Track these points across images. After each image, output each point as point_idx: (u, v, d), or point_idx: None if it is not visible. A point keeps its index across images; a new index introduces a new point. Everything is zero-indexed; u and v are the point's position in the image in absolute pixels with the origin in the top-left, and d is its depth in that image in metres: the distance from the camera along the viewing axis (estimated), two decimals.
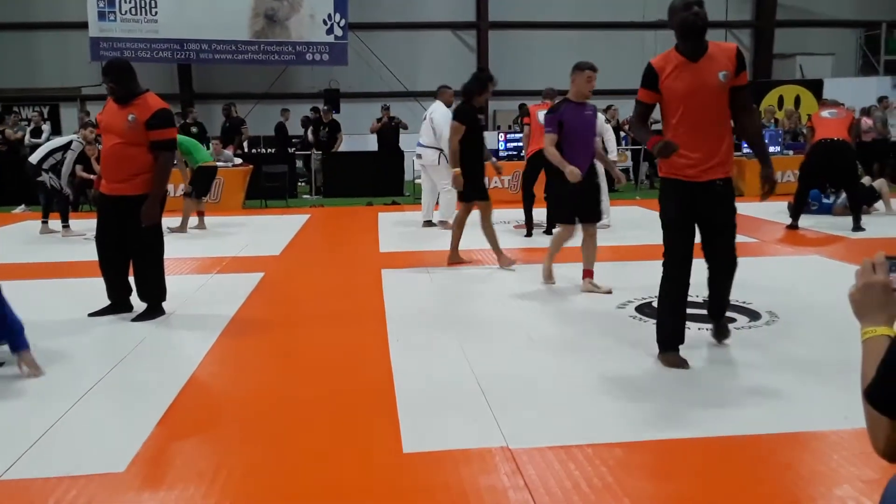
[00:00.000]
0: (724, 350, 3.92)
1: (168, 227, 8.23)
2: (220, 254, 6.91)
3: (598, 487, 2.44)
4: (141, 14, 15.06)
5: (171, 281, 4.76)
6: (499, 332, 4.28)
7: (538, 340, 4.10)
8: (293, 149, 13.76)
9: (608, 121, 7.76)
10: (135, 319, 4.54)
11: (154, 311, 4.59)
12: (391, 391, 3.32)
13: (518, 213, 8.98)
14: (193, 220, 8.52)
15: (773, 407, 3.11)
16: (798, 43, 17.83)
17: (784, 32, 17.83)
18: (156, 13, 15.11)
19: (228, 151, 11.39)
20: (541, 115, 7.40)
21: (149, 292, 4.59)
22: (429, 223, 8.56)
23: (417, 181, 11.93)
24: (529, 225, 7.59)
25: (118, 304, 4.67)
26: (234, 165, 10.88)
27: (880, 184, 8.99)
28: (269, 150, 13.58)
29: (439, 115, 8.13)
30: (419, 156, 8.48)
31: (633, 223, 8.47)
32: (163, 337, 4.31)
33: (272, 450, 2.80)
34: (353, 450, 2.78)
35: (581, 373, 3.57)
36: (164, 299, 4.66)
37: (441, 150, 8.16)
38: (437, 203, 8.62)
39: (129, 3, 14.98)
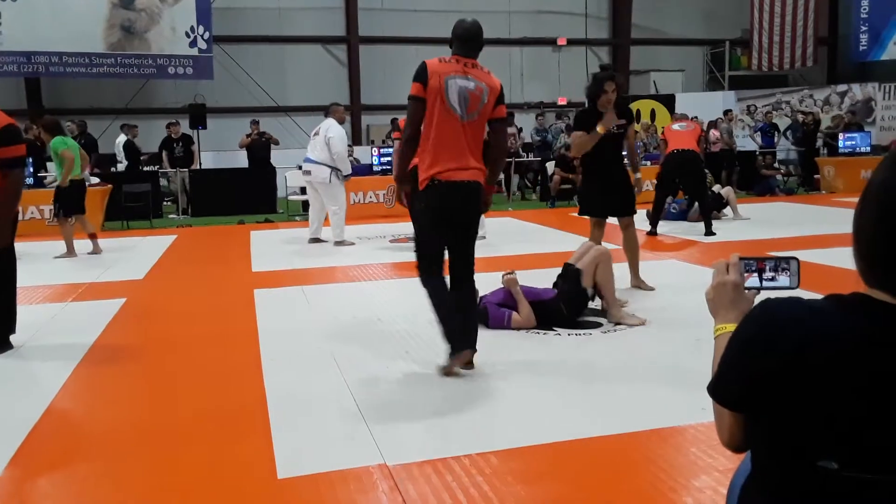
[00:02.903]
0: (587, 353, 4.08)
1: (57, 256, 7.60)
2: (76, 280, 6.46)
3: (475, 497, 2.47)
4: None
5: (20, 311, 4.41)
6: (375, 347, 4.25)
7: (413, 353, 4.11)
8: (157, 166, 13.15)
9: None
10: None
11: (2, 345, 4.23)
12: (265, 415, 3.22)
13: (395, 228, 9.02)
14: (87, 246, 7.89)
15: (637, 405, 3.27)
16: (651, 60, 19.00)
17: (639, 50, 18.95)
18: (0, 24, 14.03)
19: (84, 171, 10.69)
20: None
21: None
22: (316, 240, 8.41)
23: (291, 198, 11.72)
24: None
25: None
26: (90, 185, 10.23)
27: (727, 191, 9.70)
28: (114, 168, 12.87)
29: (335, 132, 8.06)
30: (307, 172, 8.24)
31: (508, 235, 8.70)
32: (12, 371, 3.98)
33: (136, 484, 2.64)
34: (225, 479, 2.67)
35: (454, 384, 3.61)
36: (12, 332, 4.30)
37: (333, 168, 8.06)
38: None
39: None
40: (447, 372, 3.68)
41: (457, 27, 3.63)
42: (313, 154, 8.14)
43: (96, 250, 7.90)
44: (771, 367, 1.11)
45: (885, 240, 1.06)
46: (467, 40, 3.60)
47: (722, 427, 1.24)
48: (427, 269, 3.66)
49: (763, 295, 1.28)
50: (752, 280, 1.36)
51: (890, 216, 1.05)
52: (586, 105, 5.28)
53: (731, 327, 1.30)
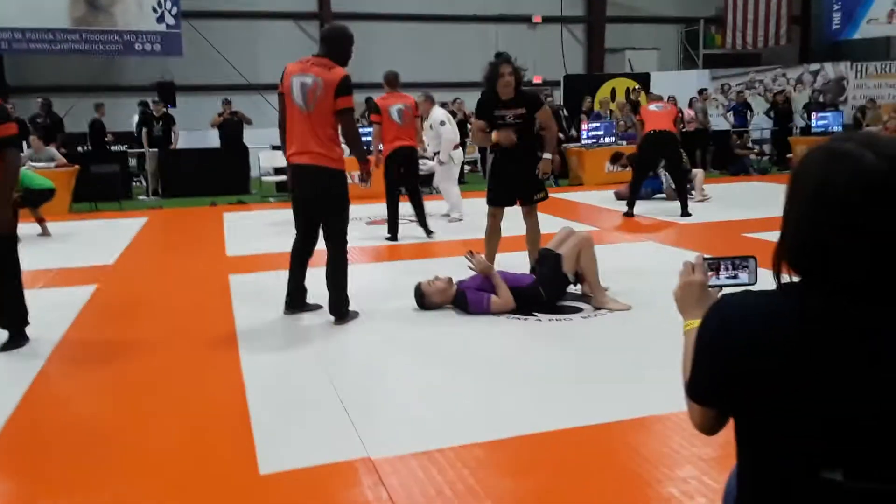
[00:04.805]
0: (569, 339, 4.07)
1: None
2: (45, 265, 6.28)
3: (460, 491, 2.45)
4: None
5: None
6: (355, 336, 4.20)
7: (394, 343, 4.07)
8: (126, 146, 12.86)
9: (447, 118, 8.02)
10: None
11: (18, 338, 4.07)
12: (244, 408, 3.16)
13: (371, 209, 8.92)
14: (36, 228, 7.80)
15: (620, 393, 3.27)
16: (626, 38, 18.96)
17: (614, 28, 18.89)
18: None
19: (52, 149, 10.41)
20: (393, 109, 7.21)
21: (10, 317, 4.06)
22: None
23: (265, 178, 11.56)
24: (394, 227, 7.33)
25: None
26: (57, 166, 9.97)
27: (695, 173, 9.73)
28: (85, 147, 12.59)
29: None
30: None
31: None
32: None
33: (114, 485, 2.58)
34: (206, 476, 2.62)
35: (437, 374, 3.58)
36: (26, 324, 4.14)
37: None
38: None
39: None
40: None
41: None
42: None
43: (45, 233, 7.89)
44: (731, 365, 1.14)
45: (816, 233, 1.09)
46: (321, 41, 4.31)
47: (692, 415, 1.29)
48: (296, 231, 4.49)
49: (726, 291, 1.35)
50: (716, 279, 1.47)
51: (824, 212, 1.07)
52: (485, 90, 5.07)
53: (698, 323, 1.33)
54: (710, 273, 1.46)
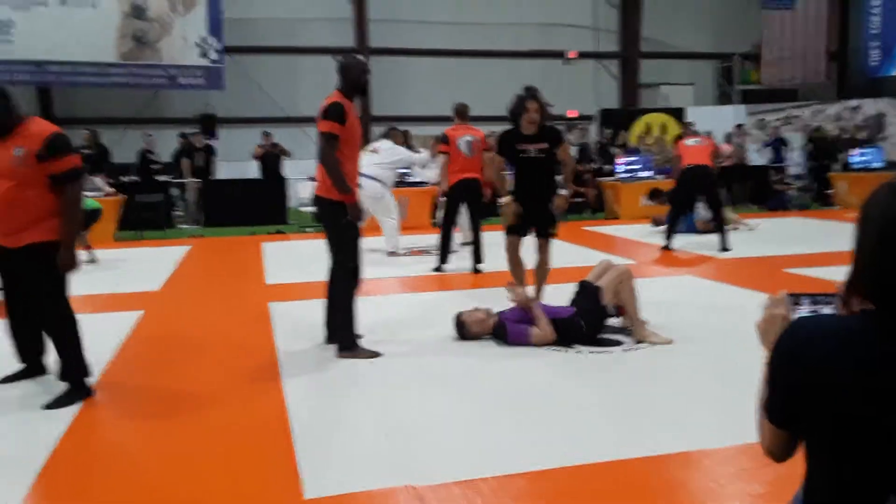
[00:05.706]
0: (610, 372, 4.05)
1: None
2: (93, 291, 6.45)
3: None
4: None
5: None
6: (395, 365, 4.23)
7: (434, 372, 4.09)
8: (170, 176, 13.17)
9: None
10: (48, 406, 3.60)
11: (78, 390, 3.73)
12: (287, 435, 3.20)
13: (410, 240, 8.99)
14: (83, 255, 8.03)
15: (662, 427, 3.24)
16: (661, 73, 19.00)
17: (649, 63, 18.96)
18: (12, 32, 14.12)
19: (99, 179, 10.73)
20: (462, 141, 7.20)
21: (68, 367, 3.75)
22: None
23: (302, 209, 11.74)
24: (444, 258, 7.37)
25: (32, 367, 4.02)
26: (105, 195, 10.26)
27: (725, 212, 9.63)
28: (131, 178, 12.89)
29: (386, 148, 8.24)
30: (358, 185, 8.30)
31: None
32: (18, 397, 3.81)
33: None
34: (252, 499, 2.65)
35: (478, 404, 3.59)
36: (87, 374, 3.79)
37: (382, 183, 8.11)
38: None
39: None
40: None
41: None
42: (367, 170, 8.01)
43: (92, 260, 8.08)
44: (804, 380, 1.17)
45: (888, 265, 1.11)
46: (338, 74, 4.34)
47: (764, 435, 1.31)
48: None
49: None
50: (799, 314, 1.47)
51: (888, 246, 1.11)
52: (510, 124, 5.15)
53: None
54: (793, 307, 1.48)
